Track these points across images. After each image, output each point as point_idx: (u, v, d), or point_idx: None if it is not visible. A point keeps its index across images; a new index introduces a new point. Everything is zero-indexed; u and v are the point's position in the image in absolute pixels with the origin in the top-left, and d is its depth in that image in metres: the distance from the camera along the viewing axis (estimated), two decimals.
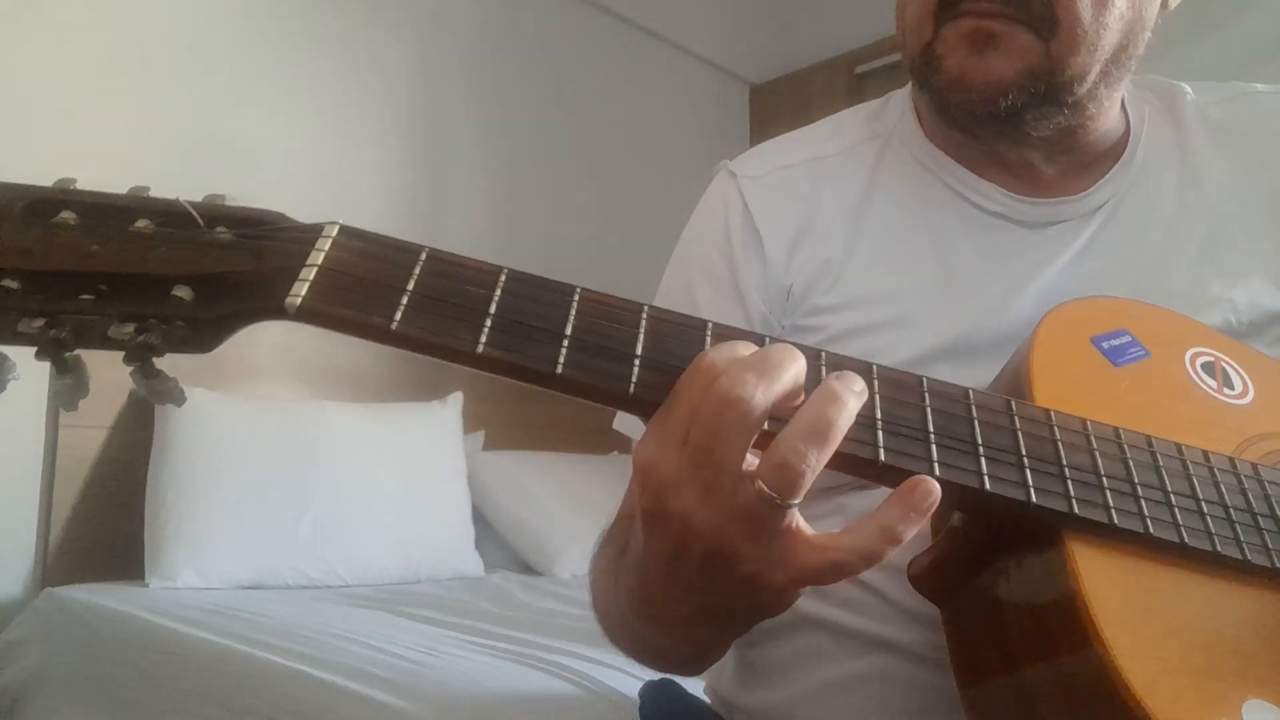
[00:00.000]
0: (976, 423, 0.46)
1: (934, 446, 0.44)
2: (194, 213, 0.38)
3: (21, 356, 0.37)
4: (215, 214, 0.39)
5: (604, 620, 0.62)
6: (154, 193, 0.40)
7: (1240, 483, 0.50)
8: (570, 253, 2.79)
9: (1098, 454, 0.47)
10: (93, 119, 1.91)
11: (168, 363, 0.38)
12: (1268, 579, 0.47)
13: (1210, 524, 0.47)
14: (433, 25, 2.59)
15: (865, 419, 0.43)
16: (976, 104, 0.63)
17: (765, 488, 0.38)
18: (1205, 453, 0.50)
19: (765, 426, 0.39)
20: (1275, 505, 0.50)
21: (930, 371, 0.48)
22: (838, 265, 0.69)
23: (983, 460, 0.44)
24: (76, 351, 0.36)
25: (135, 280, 0.37)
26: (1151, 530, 0.45)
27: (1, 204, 0.36)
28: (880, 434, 0.43)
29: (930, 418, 0.45)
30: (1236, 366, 0.58)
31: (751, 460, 0.40)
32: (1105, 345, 0.55)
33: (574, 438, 2.53)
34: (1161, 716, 0.40)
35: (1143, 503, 0.46)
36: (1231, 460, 0.51)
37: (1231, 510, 0.48)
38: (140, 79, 2.01)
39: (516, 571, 2.17)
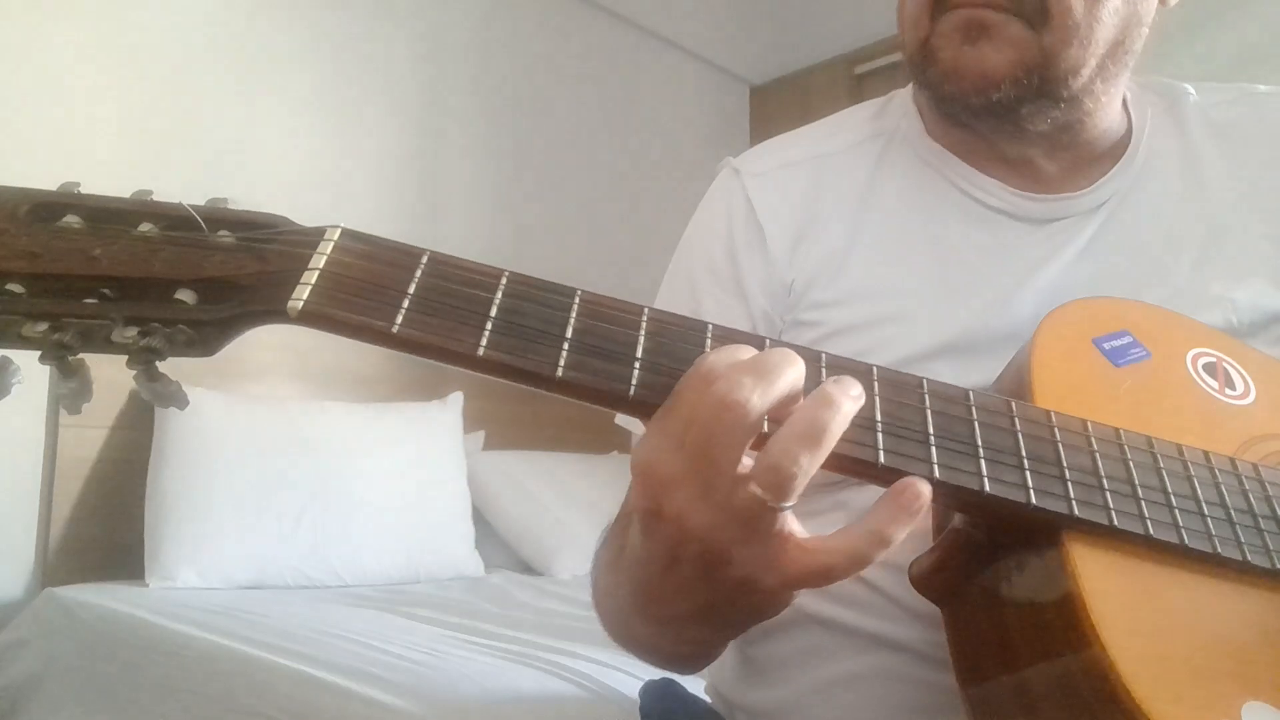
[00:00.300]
0: (977, 424, 0.46)
1: (934, 448, 0.44)
2: (197, 216, 0.38)
3: (21, 358, 0.37)
4: (218, 217, 0.39)
5: (604, 618, 0.63)
6: (156, 196, 0.40)
7: (1241, 484, 0.50)
8: (570, 252, 2.79)
9: (1098, 455, 0.47)
10: (93, 121, 1.91)
11: (170, 362, 0.38)
12: (1268, 580, 0.47)
13: (1211, 525, 0.47)
14: (433, 25, 2.59)
15: (865, 421, 0.43)
16: (970, 94, 0.63)
17: (758, 490, 0.38)
18: (1206, 453, 0.50)
19: (765, 429, 0.39)
20: (1276, 506, 0.50)
21: (931, 369, 0.48)
22: (838, 261, 0.69)
23: (983, 462, 0.44)
24: (80, 355, 0.36)
25: (139, 284, 0.37)
26: (1152, 532, 0.45)
27: (7, 208, 0.36)
28: (880, 436, 0.43)
29: (930, 419, 0.45)
30: (1238, 367, 0.58)
31: (748, 464, 0.40)
32: (1106, 346, 0.55)
33: (574, 438, 2.53)
34: (1160, 718, 0.40)
35: (1143, 504, 0.46)
36: (1233, 461, 0.51)
37: (1232, 511, 0.48)
38: (141, 81, 2.01)
39: (516, 571, 2.17)
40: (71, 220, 0.37)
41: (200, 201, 0.41)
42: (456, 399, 2.28)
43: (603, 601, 0.63)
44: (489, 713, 1.07)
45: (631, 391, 0.41)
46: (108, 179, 0.44)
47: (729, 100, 3.53)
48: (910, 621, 0.60)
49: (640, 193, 3.05)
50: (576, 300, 0.42)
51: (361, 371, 2.24)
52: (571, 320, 0.41)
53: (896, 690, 0.61)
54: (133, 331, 0.36)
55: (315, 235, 0.40)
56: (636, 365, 0.41)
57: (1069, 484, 0.45)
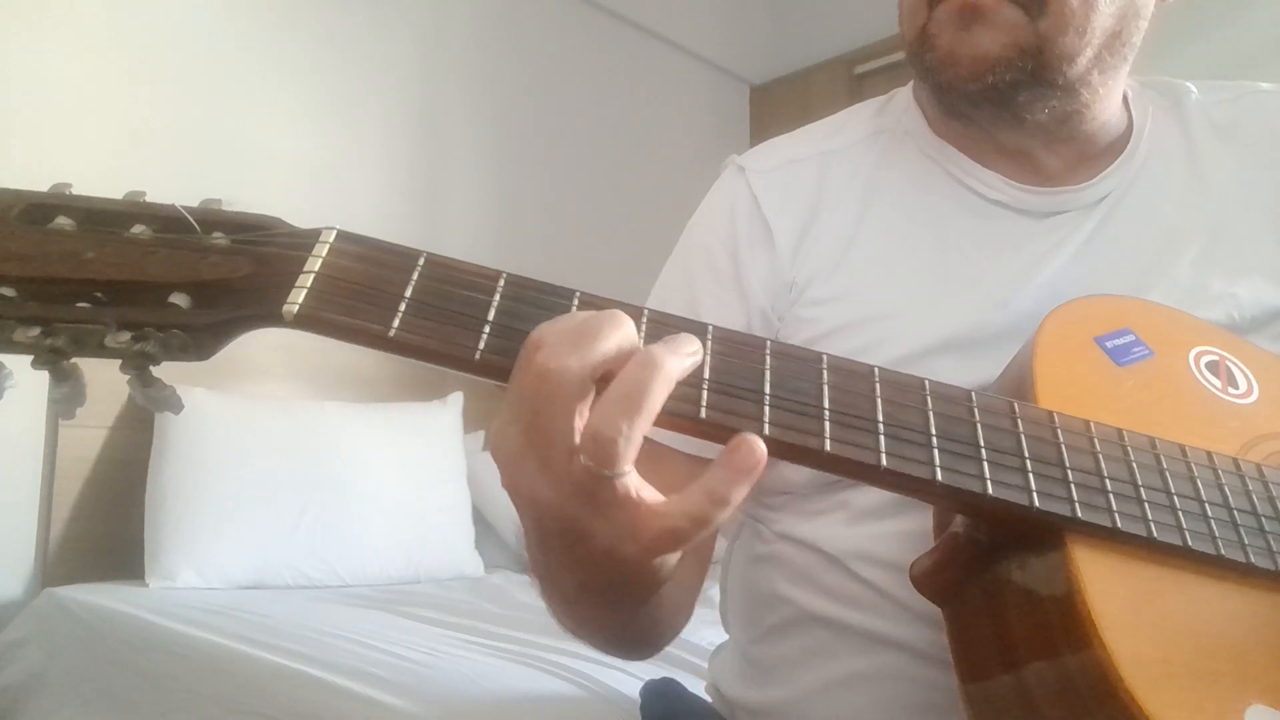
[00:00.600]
0: (979, 425, 0.45)
1: (936, 450, 0.43)
2: (190, 218, 0.38)
3: (20, 360, 0.37)
4: (212, 219, 0.39)
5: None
6: (151, 197, 0.39)
7: (1245, 484, 0.50)
8: (569, 252, 2.78)
9: (1101, 456, 0.47)
10: (89, 121, 1.91)
11: (167, 363, 0.37)
12: (1272, 582, 0.47)
13: (1215, 527, 0.47)
14: (433, 25, 2.59)
15: (867, 423, 0.43)
16: (966, 79, 0.64)
17: (585, 459, 0.37)
18: (1210, 454, 0.50)
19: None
20: (1279, 507, 0.50)
21: (932, 365, 0.47)
22: (839, 256, 0.69)
23: (985, 465, 0.44)
24: (74, 360, 0.36)
25: (132, 287, 0.37)
26: (1155, 534, 0.45)
27: None
28: (882, 439, 0.43)
29: (932, 420, 0.44)
30: (1241, 365, 0.57)
31: None
32: (1109, 345, 0.55)
33: None
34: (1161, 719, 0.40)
35: (1146, 506, 0.46)
36: (1236, 462, 0.51)
37: (1236, 513, 0.48)
38: (138, 81, 2.00)
39: (516, 571, 2.16)
40: (63, 222, 0.37)
41: (196, 202, 0.40)
42: (457, 399, 2.28)
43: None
44: (489, 713, 1.07)
45: None
46: (105, 180, 0.44)
47: (729, 100, 3.53)
48: (911, 621, 0.59)
49: (640, 192, 3.04)
50: (575, 302, 0.42)
51: (361, 371, 2.24)
52: None
53: (897, 690, 0.61)
54: (126, 336, 0.35)
55: (310, 237, 0.40)
56: None
57: (1072, 486, 0.45)
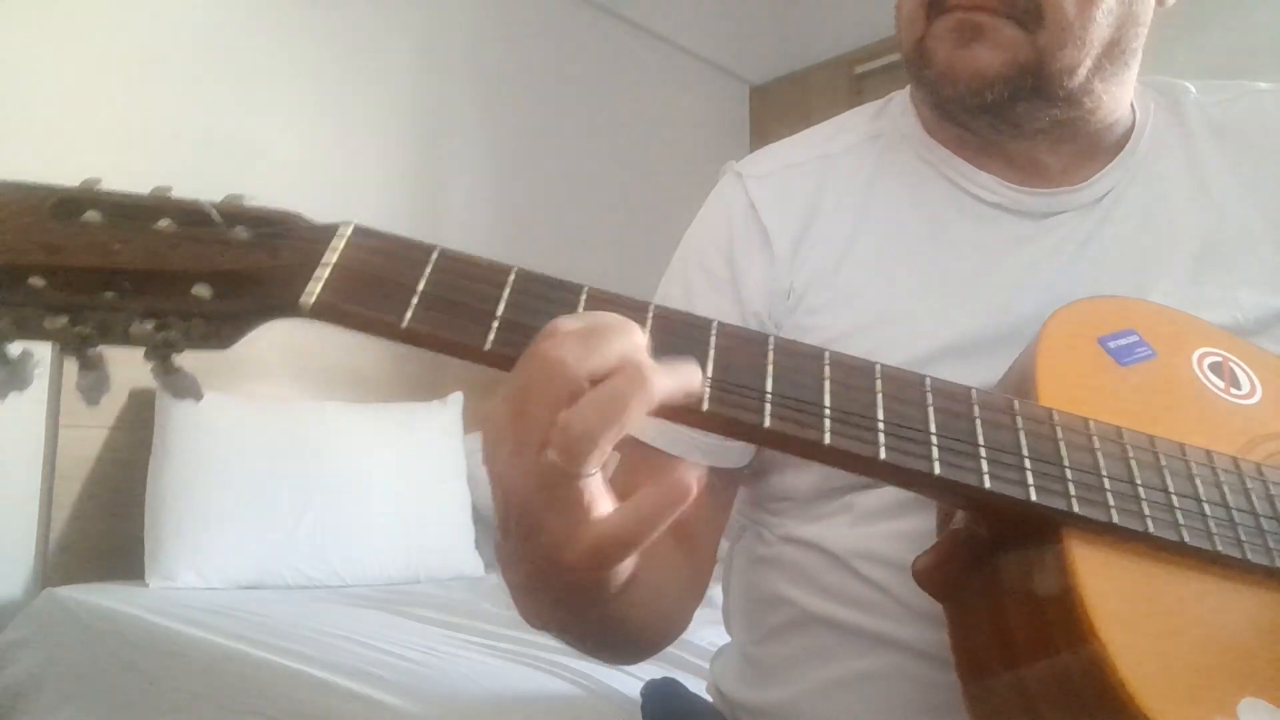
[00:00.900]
0: (979, 421, 0.46)
1: (935, 446, 0.44)
2: (213, 212, 0.39)
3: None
4: (234, 213, 0.40)
5: None
6: (172, 193, 0.40)
7: (1243, 483, 0.50)
8: (569, 252, 2.79)
9: (1099, 453, 0.48)
10: (94, 119, 1.91)
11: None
12: (1268, 579, 0.47)
13: (1211, 524, 0.47)
14: (433, 25, 2.59)
15: (867, 418, 0.44)
16: (964, 96, 0.64)
17: (552, 452, 0.37)
18: (1208, 453, 0.51)
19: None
20: (1278, 505, 0.50)
21: (935, 371, 0.48)
22: (836, 262, 0.69)
23: (984, 460, 0.45)
24: (99, 348, 0.37)
25: (156, 277, 0.37)
26: (1151, 529, 0.46)
27: (31, 202, 0.37)
28: (882, 434, 0.43)
29: (932, 417, 0.45)
30: (1244, 366, 0.57)
31: None
32: (1112, 345, 0.55)
33: None
34: (1157, 714, 0.40)
35: (1144, 502, 0.47)
36: (1235, 460, 0.51)
37: (1234, 510, 0.48)
38: (142, 79, 2.01)
39: None
40: (93, 215, 0.38)
41: (199, 197, 0.41)
42: (457, 399, 2.28)
43: None
44: (489, 713, 1.07)
45: None
46: (106, 179, 0.45)
47: (729, 100, 3.53)
48: (913, 621, 0.60)
49: (640, 192, 3.05)
50: (584, 297, 0.43)
51: (362, 371, 2.24)
52: None
53: (899, 690, 0.61)
54: (150, 324, 0.36)
55: (328, 231, 0.41)
56: None
57: (1069, 481, 0.46)
